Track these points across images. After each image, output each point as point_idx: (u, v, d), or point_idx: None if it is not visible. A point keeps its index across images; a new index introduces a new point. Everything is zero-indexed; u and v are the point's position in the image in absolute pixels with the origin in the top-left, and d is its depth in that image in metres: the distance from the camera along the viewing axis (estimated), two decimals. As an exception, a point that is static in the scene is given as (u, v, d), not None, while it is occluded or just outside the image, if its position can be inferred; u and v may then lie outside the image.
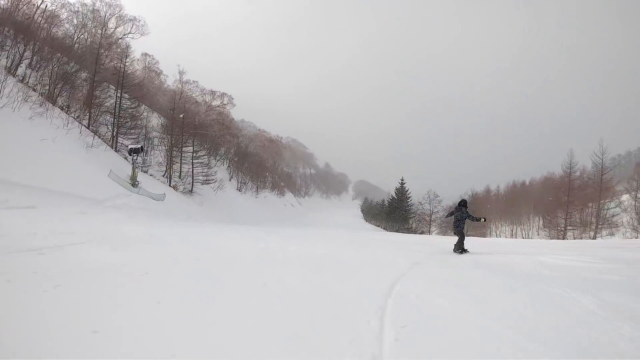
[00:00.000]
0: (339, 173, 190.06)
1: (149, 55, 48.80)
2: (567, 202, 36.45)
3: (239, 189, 45.02)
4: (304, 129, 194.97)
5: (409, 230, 49.22)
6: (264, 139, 73.42)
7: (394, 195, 56.48)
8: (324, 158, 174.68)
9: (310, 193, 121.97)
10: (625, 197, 37.58)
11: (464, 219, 9.52)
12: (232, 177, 45.41)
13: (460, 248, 9.05)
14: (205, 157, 39.42)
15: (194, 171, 34.65)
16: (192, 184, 34.07)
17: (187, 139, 35.61)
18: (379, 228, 59.33)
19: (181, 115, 35.55)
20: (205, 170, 35.59)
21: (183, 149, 34.48)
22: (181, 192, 31.13)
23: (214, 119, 45.63)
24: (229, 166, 46.57)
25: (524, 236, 46.85)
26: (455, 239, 9.57)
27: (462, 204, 9.80)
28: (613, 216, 34.25)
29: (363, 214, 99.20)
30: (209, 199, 35.19)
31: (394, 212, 54.41)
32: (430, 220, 52.73)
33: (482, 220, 10.34)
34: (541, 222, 45.71)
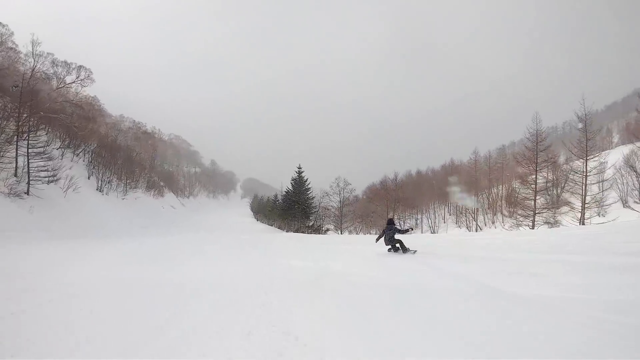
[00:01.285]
0: (227, 171, 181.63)
1: (3, 25, 36.48)
2: (535, 179, 26.76)
3: (100, 189, 36.46)
4: (187, 125, 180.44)
5: (312, 229, 43.48)
6: (138, 131, 63.14)
7: (289, 187, 47.28)
8: (210, 156, 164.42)
9: (195, 193, 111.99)
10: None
11: (394, 234, 10.58)
12: (91, 175, 36.55)
13: (402, 248, 10.16)
14: (59, 149, 30.66)
15: (31, 165, 26.04)
16: (29, 183, 25.52)
17: (30, 124, 27.11)
18: (274, 228, 55.18)
19: (13, 88, 26.71)
20: (48, 164, 27.16)
21: (24, 136, 25.92)
22: (1, 193, 22.62)
23: (69, 100, 36.26)
24: (90, 161, 37.43)
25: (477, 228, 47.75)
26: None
27: (390, 222, 10.97)
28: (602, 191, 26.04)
29: (253, 212, 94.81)
30: (54, 203, 27.01)
31: (291, 208, 45.88)
32: (342, 214, 44.14)
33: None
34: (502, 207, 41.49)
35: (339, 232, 43.44)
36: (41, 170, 26.67)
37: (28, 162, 25.95)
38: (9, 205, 21.69)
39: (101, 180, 36.67)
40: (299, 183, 45.94)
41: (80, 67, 37.93)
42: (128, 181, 44.19)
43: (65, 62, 37.20)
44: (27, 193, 25.47)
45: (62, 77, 37.11)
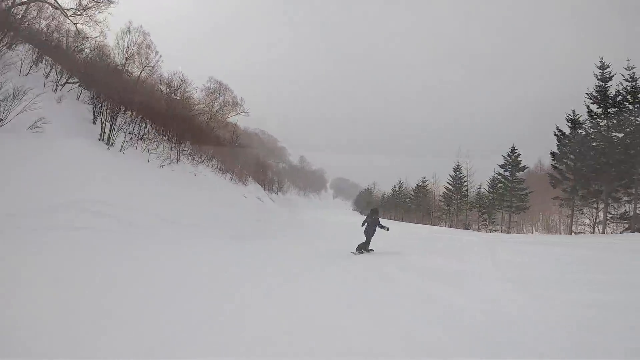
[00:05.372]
0: (317, 169, 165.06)
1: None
2: None
3: (107, 140, 18.09)
4: (275, 120, 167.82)
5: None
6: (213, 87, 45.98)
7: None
8: (298, 152, 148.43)
9: (284, 189, 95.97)
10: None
11: (375, 226, 10.09)
12: (97, 119, 18.55)
13: (362, 248, 9.80)
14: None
15: None
16: None
17: None
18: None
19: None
20: None
21: None
22: None
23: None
24: (93, 97, 19.48)
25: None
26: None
27: (375, 211, 10.39)
28: None
29: (361, 212, 73.77)
30: None
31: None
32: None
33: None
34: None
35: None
36: None
37: None
38: None
39: (109, 124, 18.17)
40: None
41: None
42: (181, 147, 26.15)
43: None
44: None
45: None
